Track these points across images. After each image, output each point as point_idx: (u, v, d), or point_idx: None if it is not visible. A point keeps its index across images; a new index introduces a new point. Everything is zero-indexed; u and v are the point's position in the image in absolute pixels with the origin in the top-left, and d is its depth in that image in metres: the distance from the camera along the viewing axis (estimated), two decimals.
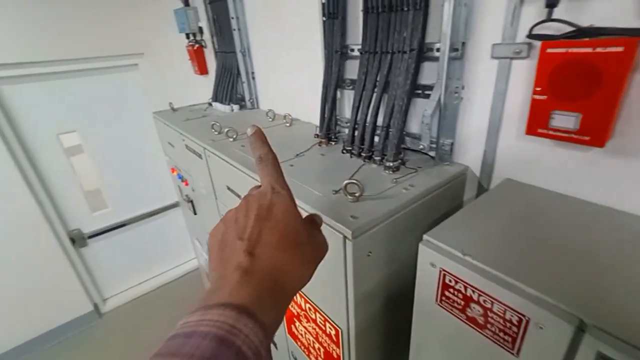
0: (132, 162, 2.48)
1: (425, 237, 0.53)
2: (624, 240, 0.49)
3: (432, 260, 0.51)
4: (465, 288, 0.46)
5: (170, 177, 1.89)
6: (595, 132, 0.51)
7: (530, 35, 0.57)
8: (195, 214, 1.63)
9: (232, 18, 1.41)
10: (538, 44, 0.56)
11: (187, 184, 1.54)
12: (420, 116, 0.78)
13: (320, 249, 0.36)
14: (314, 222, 0.38)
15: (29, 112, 2.03)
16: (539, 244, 0.49)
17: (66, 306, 2.39)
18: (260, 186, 0.37)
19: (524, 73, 0.61)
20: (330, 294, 0.68)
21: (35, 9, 1.84)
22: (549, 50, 0.53)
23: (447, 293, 0.50)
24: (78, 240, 2.40)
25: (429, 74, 0.79)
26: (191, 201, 1.60)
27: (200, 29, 1.81)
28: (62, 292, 2.34)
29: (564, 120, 0.53)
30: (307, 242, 0.33)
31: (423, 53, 0.74)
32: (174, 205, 2.73)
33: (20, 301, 2.18)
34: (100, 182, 2.43)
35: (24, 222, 2.08)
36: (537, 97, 0.56)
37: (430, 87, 0.77)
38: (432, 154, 0.80)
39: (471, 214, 0.58)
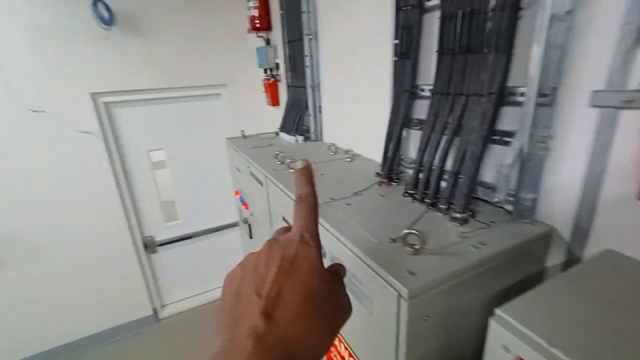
0: (204, 180, 2.70)
1: (498, 312, 0.44)
2: None
3: (506, 344, 0.42)
4: None
5: (234, 199, 2.00)
6: None
7: None
8: (251, 237, 1.68)
9: (306, 56, 1.49)
10: None
11: (247, 208, 1.60)
12: (496, 165, 0.70)
13: (344, 313, 0.31)
14: (337, 274, 0.33)
15: (129, 131, 2.37)
16: None
17: (129, 307, 2.60)
18: (289, 229, 0.34)
19: (637, 126, 0.51)
20: (378, 354, 0.61)
21: (140, 48, 2.19)
22: None
23: None
24: (150, 246, 2.64)
25: (509, 119, 0.71)
26: (249, 224, 1.65)
27: (277, 65, 1.96)
28: (128, 293, 2.56)
29: None
30: (331, 306, 0.29)
31: (503, 97, 0.68)
32: (234, 225, 2.87)
33: (92, 296, 2.44)
34: (175, 195, 2.68)
35: (111, 225, 2.37)
36: None
37: (510, 134, 0.69)
38: (509, 207, 0.70)
39: (559, 290, 0.48)
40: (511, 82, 0.68)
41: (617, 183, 0.55)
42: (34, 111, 2.00)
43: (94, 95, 2.16)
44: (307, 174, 0.35)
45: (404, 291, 0.49)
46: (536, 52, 0.59)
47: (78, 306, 2.40)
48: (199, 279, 2.93)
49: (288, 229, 0.35)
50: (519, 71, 0.66)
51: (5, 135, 1.96)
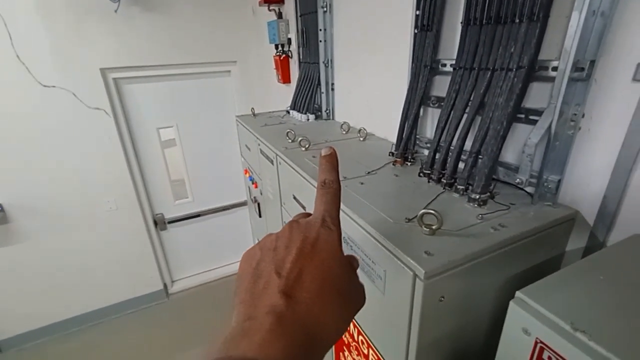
0: (214, 158, 2.70)
1: (519, 294, 0.42)
2: None
3: (526, 326, 0.40)
4: None
5: (243, 178, 2.00)
6: None
7: None
8: (260, 216, 1.68)
9: (320, 30, 1.43)
10: None
11: (256, 187, 1.60)
12: (520, 144, 0.67)
13: (358, 300, 0.31)
14: (352, 266, 0.33)
15: (139, 108, 2.35)
16: None
17: (141, 282, 2.67)
18: (309, 215, 0.34)
19: None
20: (389, 334, 0.60)
21: (149, 22, 2.14)
22: None
23: None
24: (160, 223, 2.68)
25: (535, 96, 0.67)
26: (258, 203, 1.65)
27: (289, 40, 1.89)
28: (140, 268, 2.63)
29: None
30: (348, 291, 0.29)
31: (534, 71, 0.63)
32: (243, 204, 2.89)
33: (105, 269, 2.51)
34: (185, 173, 2.69)
35: (122, 201, 2.40)
36: None
37: (538, 112, 0.65)
38: (529, 190, 0.67)
39: (584, 274, 0.46)
40: (543, 55, 0.63)
41: None
42: (45, 86, 1.99)
43: (104, 71, 2.13)
44: (332, 161, 0.36)
45: (421, 271, 0.48)
46: (575, 20, 0.54)
47: (90, 279, 2.48)
48: (208, 256, 2.98)
49: (308, 214, 0.35)
50: (552, 43, 0.61)
51: (19, 111, 1.97)
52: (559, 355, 0.37)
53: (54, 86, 2.01)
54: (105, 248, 2.45)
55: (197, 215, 2.82)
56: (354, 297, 0.30)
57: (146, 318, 2.63)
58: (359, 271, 0.34)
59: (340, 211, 0.69)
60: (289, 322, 0.24)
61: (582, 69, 0.56)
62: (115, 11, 2.01)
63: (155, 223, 2.66)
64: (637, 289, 0.42)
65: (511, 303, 0.42)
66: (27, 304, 2.33)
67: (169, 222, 2.74)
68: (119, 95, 2.25)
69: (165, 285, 2.81)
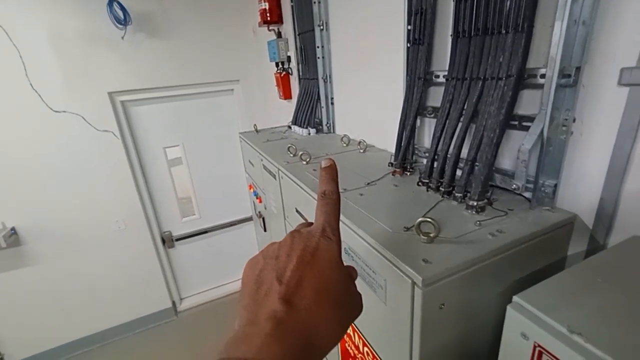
0: (219, 175, 2.74)
1: (516, 299, 0.43)
2: None
3: (524, 331, 0.41)
4: None
5: (247, 193, 2.02)
6: None
7: None
8: (265, 230, 1.69)
9: (318, 47, 1.48)
10: None
11: (260, 201, 1.62)
12: (515, 151, 0.67)
13: (355, 308, 0.32)
14: (351, 275, 0.34)
15: (146, 128, 2.42)
16: None
17: (149, 300, 2.68)
18: (310, 224, 0.35)
19: None
20: (392, 344, 0.60)
21: (154, 47, 2.22)
22: None
23: None
24: (168, 241, 2.71)
25: (527, 103, 0.68)
26: (262, 217, 1.66)
27: (289, 58, 1.95)
28: (148, 287, 2.64)
29: None
30: (346, 299, 0.30)
31: (522, 79, 0.65)
32: (249, 219, 2.90)
33: (113, 289, 2.52)
34: (191, 191, 2.73)
35: (130, 221, 2.44)
36: None
37: (530, 118, 0.66)
38: (527, 195, 0.68)
39: (581, 277, 0.46)
40: (531, 63, 0.65)
41: None
42: (56, 111, 2.07)
43: (112, 95, 2.21)
44: (332, 172, 0.37)
45: (419, 279, 0.48)
46: (558, 29, 0.56)
47: (100, 299, 2.50)
48: (216, 273, 2.99)
49: (310, 224, 0.36)
50: (539, 52, 0.63)
51: (31, 136, 2.04)
52: (557, 359, 0.37)
53: (64, 111, 2.09)
54: (114, 267, 2.48)
55: (205, 231, 2.85)
56: (352, 305, 0.31)
57: (155, 337, 2.62)
58: (360, 281, 0.35)
59: (341, 223, 0.70)
60: (288, 327, 0.25)
61: (569, 76, 0.57)
62: (122, 38, 2.10)
63: (163, 241, 2.69)
64: (635, 291, 0.42)
65: (509, 308, 0.43)
66: (36, 326, 2.35)
67: (177, 240, 2.76)
68: (127, 117, 2.32)
69: (174, 303, 2.81)
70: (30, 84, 1.97)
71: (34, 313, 2.32)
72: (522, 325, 0.41)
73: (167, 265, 2.74)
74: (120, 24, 2.02)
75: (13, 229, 2.12)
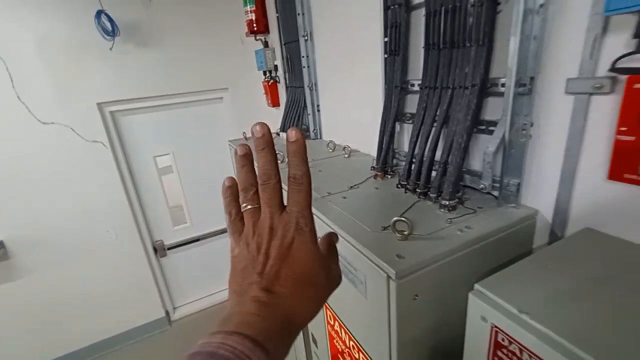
0: (210, 182, 2.76)
1: (476, 286, 0.48)
2: None
3: (484, 314, 0.46)
4: (521, 351, 0.41)
5: None
6: None
7: (614, 69, 0.51)
8: None
9: (303, 56, 1.53)
10: (624, 78, 0.50)
11: None
12: (483, 153, 0.73)
13: (333, 282, 0.37)
14: (331, 244, 0.39)
15: (135, 138, 2.44)
16: (617, 309, 0.41)
17: (142, 310, 2.67)
18: (284, 208, 0.35)
19: (606, 110, 0.54)
20: (374, 335, 0.65)
21: (143, 57, 2.25)
22: (637, 86, 0.47)
23: (499, 353, 0.44)
24: (160, 250, 2.71)
25: (494, 109, 0.74)
26: None
27: (276, 67, 2.00)
28: (140, 297, 2.63)
29: None
30: (321, 280, 0.35)
31: (486, 89, 0.71)
32: None
33: (105, 300, 2.51)
34: (182, 199, 2.74)
35: (122, 231, 2.44)
36: (622, 137, 0.49)
37: (495, 123, 0.72)
38: (495, 193, 0.73)
39: (535, 265, 0.52)
40: (493, 73, 0.71)
41: (591, 166, 0.58)
42: (44, 123, 2.07)
43: (101, 105, 2.23)
44: (300, 151, 0.34)
45: (392, 272, 0.53)
46: (513, 44, 0.62)
47: (92, 311, 2.48)
48: (209, 280, 2.99)
49: (283, 208, 0.35)
50: (500, 63, 0.69)
51: (19, 149, 2.04)
52: (509, 336, 0.42)
53: (52, 123, 2.10)
54: (106, 279, 2.47)
55: (197, 239, 2.86)
56: (328, 282, 0.36)
57: (149, 347, 2.61)
58: (343, 278, 0.39)
59: (324, 223, 0.75)
60: (269, 308, 0.31)
61: (525, 85, 0.63)
62: (110, 49, 2.12)
63: (155, 250, 2.69)
64: (578, 276, 0.48)
65: (470, 294, 0.48)
66: (27, 340, 2.32)
67: (169, 248, 2.77)
68: (116, 127, 2.34)
69: (167, 313, 2.80)
70: (17, 96, 1.98)
71: (25, 326, 2.29)
72: (481, 309, 0.46)
73: (159, 274, 2.73)
74: (109, 35, 2.05)
75: (1, 242, 2.10)
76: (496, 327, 0.44)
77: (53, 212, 2.20)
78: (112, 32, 2.04)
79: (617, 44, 0.51)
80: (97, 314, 2.50)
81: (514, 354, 0.42)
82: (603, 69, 0.54)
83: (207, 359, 0.25)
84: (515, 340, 0.41)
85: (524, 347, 0.40)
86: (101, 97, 2.21)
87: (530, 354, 0.39)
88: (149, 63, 2.28)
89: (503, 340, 0.43)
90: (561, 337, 0.37)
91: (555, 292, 0.45)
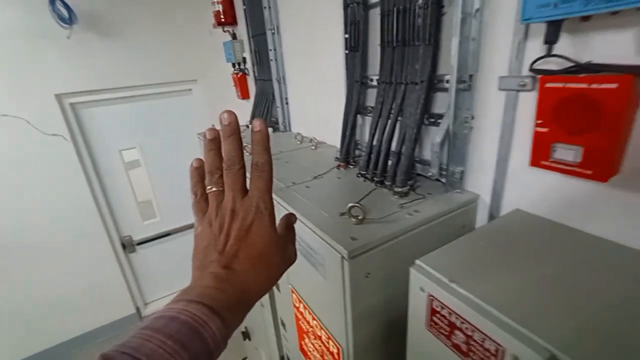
0: (179, 176, 2.71)
1: (417, 262, 0.54)
2: (619, 275, 0.47)
3: (422, 285, 0.52)
4: (450, 314, 0.47)
5: None
6: (597, 167, 0.50)
7: (532, 70, 0.58)
8: None
9: (270, 50, 1.55)
10: (538, 77, 0.57)
11: None
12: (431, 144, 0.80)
13: (288, 260, 0.41)
14: (289, 224, 0.44)
15: (99, 131, 2.35)
16: (531, 276, 0.49)
17: (112, 307, 2.62)
18: (246, 192, 0.39)
19: (529, 105, 0.62)
20: (332, 312, 0.71)
21: (105, 46, 2.17)
22: (548, 85, 0.54)
23: (434, 319, 0.50)
24: (128, 246, 2.65)
25: (442, 104, 0.81)
26: None
27: (244, 59, 2.00)
28: (110, 293, 2.57)
29: (564, 152, 0.53)
30: (276, 259, 0.39)
31: (434, 84, 0.77)
32: None
33: (73, 298, 2.44)
34: (151, 193, 2.68)
35: (86, 228, 2.36)
36: (539, 129, 0.56)
37: (441, 116, 0.79)
38: (443, 180, 0.81)
39: (469, 243, 0.59)
40: (441, 70, 0.78)
41: (519, 154, 0.66)
42: None
43: (59, 97, 2.12)
44: (264, 140, 0.38)
45: (345, 252, 0.58)
46: (455, 44, 0.68)
47: (60, 309, 2.41)
48: (180, 275, 2.93)
49: (245, 192, 0.39)
50: (446, 61, 0.76)
51: None
52: (441, 302, 0.49)
53: (5, 115, 1.98)
54: (73, 276, 2.39)
55: (167, 234, 2.81)
56: (283, 261, 0.40)
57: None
58: (304, 261, 0.43)
59: (287, 210, 0.79)
60: (226, 282, 0.34)
61: (465, 81, 0.70)
62: (68, 37, 2.02)
63: (124, 246, 2.62)
64: (503, 249, 0.55)
65: (411, 269, 0.54)
66: None
67: (138, 244, 2.71)
68: (77, 119, 2.24)
69: (137, 309, 2.76)
70: None
71: None
72: (420, 281, 0.52)
73: (128, 270, 2.68)
74: (65, 22, 1.95)
75: None
76: (431, 295, 0.50)
77: (12, 211, 2.10)
78: (69, 19, 1.95)
79: (535, 48, 0.58)
80: (66, 312, 2.42)
81: (445, 317, 0.48)
82: (526, 69, 0.61)
83: (169, 322, 0.29)
84: (446, 305, 0.48)
85: (452, 310, 0.47)
86: (59, 88, 2.11)
87: (457, 316, 0.46)
88: (112, 53, 2.20)
89: (437, 306, 0.49)
90: (481, 300, 0.44)
91: (482, 263, 0.52)
